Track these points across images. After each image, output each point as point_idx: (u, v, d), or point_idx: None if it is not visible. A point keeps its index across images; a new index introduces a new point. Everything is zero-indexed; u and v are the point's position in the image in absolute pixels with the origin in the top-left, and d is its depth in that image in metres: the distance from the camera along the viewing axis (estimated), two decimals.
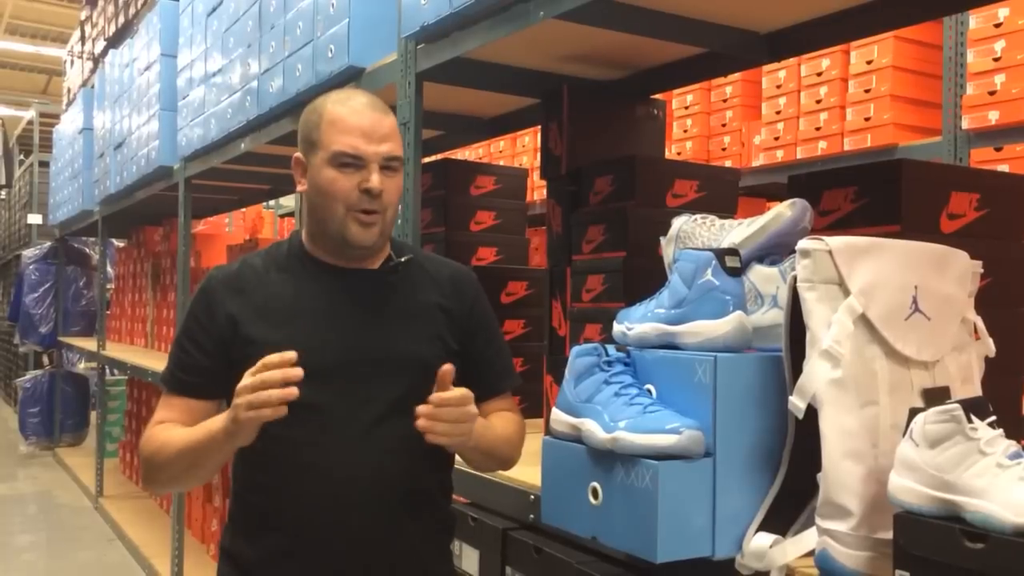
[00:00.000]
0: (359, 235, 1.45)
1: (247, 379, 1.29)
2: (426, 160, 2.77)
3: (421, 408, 1.33)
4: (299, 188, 1.52)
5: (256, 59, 3.16)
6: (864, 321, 1.18)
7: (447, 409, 1.33)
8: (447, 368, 1.35)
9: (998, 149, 3.06)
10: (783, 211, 1.46)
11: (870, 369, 1.18)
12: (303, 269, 1.52)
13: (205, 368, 1.48)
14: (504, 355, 1.63)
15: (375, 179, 1.43)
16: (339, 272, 1.51)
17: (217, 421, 1.37)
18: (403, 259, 1.54)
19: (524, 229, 2.86)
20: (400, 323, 1.50)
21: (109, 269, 7.61)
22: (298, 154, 1.52)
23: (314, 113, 1.50)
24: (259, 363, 1.29)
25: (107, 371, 7.04)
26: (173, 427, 1.45)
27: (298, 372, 1.28)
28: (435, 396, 1.34)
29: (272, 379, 1.27)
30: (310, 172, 1.48)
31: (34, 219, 9.55)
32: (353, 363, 1.43)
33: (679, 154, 4.25)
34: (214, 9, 3.66)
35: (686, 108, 4.29)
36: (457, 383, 1.56)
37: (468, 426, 1.37)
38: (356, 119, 1.45)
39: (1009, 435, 1.04)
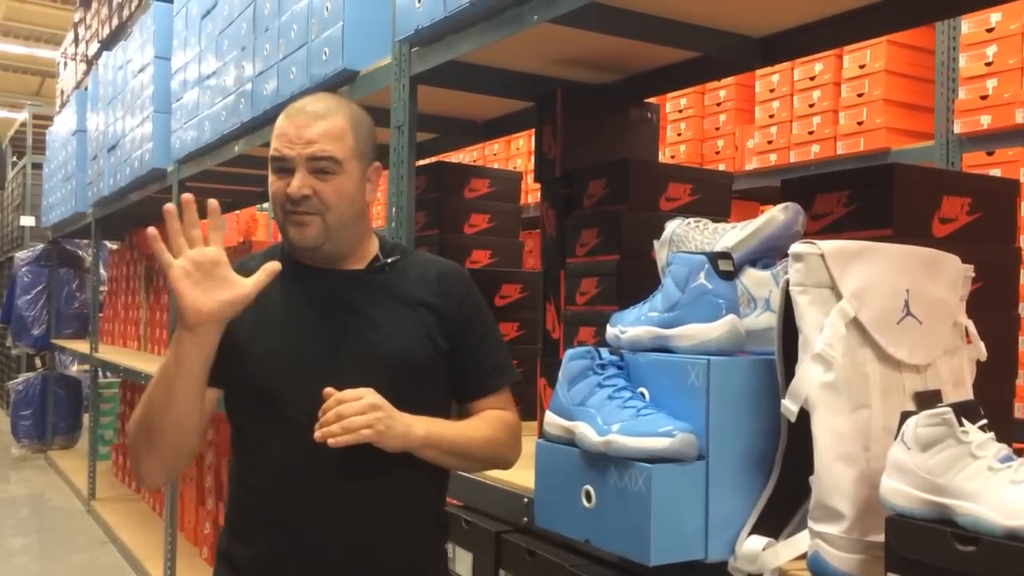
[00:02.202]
0: (295, 236, 1.46)
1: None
2: (420, 163, 2.77)
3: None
4: None
5: (250, 62, 3.16)
6: (856, 325, 1.19)
7: (334, 409, 1.33)
8: (327, 391, 1.36)
9: (990, 153, 3.07)
10: (776, 215, 1.46)
11: (862, 372, 1.18)
12: (293, 272, 1.52)
13: None
14: (498, 352, 1.61)
15: (294, 182, 1.43)
16: (326, 274, 1.52)
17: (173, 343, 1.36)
18: (389, 260, 1.54)
19: (518, 232, 2.86)
20: (388, 323, 1.49)
21: (102, 271, 7.60)
22: None
23: None
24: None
25: (100, 374, 7.01)
26: None
27: None
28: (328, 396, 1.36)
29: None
30: None
31: (27, 221, 9.50)
32: (341, 365, 1.43)
33: (673, 158, 4.26)
34: (208, 11, 3.66)
35: (680, 112, 4.30)
36: (450, 381, 1.56)
37: (367, 417, 1.34)
38: (287, 122, 1.46)
39: (1000, 438, 1.05)
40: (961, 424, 1.02)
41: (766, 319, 1.39)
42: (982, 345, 1.34)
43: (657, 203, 1.94)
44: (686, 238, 1.54)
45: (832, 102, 3.58)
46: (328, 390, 1.37)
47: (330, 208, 1.45)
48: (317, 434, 1.33)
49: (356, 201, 1.50)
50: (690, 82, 2.39)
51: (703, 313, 1.32)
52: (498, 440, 1.54)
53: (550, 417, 1.41)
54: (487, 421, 1.55)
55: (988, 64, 3.01)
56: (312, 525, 1.43)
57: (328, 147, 1.44)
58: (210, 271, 1.32)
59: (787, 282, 1.22)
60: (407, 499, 1.48)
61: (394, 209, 2.24)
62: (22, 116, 11.06)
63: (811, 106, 3.65)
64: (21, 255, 8.76)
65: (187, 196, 1.33)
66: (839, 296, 1.19)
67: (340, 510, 1.43)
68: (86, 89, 6.28)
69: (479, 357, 1.57)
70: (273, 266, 1.36)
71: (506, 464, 1.59)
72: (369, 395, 1.36)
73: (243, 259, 1.59)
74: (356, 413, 1.34)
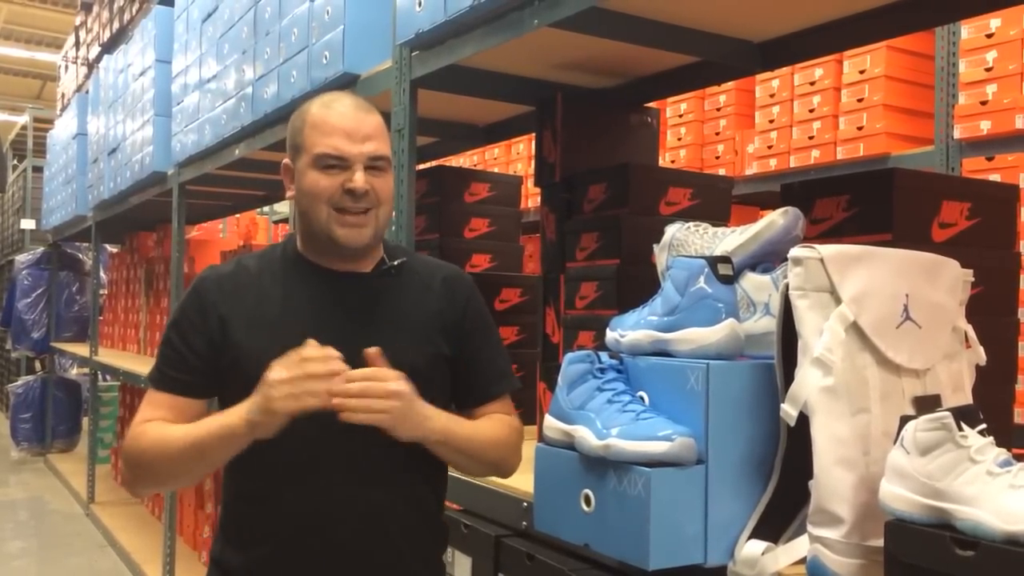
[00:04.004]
0: (347, 237, 1.44)
1: (281, 370, 1.30)
2: (420, 167, 2.77)
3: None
4: (288, 195, 1.52)
5: (251, 65, 3.16)
6: (855, 329, 1.19)
7: (358, 385, 1.31)
8: (373, 350, 1.35)
9: (990, 159, 3.07)
10: (776, 219, 1.46)
11: (861, 377, 1.18)
12: (296, 273, 1.51)
13: (195, 367, 1.46)
14: (500, 358, 1.60)
15: (358, 178, 1.42)
16: (331, 276, 1.51)
17: (232, 414, 1.34)
18: (396, 263, 1.53)
19: (518, 236, 2.86)
20: (391, 329, 1.48)
21: (102, 274, 7.60)
22: (286, 160, 1.52)
23: (299, 118, 1.49)
24: (296, 354, 1.31)
25: (99, 377, 7.01)
26: (164, 425, 1.43)
27: (341, 366, 1.31)
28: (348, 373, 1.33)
29: (316, 370, 1.29)
30: (296, 176, 1.48)
31: (27, 224, 9.51)
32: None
33: (673, 162, 4.27)
34: (209, 15, 3.67)
35: (680, 116, 4.31)
36: (451, 387, 1.56)
37: (387, 403, 1.32)
38: (338, 120, 1.45)
39: (999, 443, 1.05)
40: (960, 429, 1.02)
41: (765, 323, 1.39)
42: (981, 350, 1.34)
43: (657, 207, 1.94)
44: (686, 242, 1.54)
45: (832, 107, 3.58)
46: (373, 350, 1.35)
47: (382, 204, 1.47)
48: (335, 400, 1.31)
49: (394, 197, 1.54)
50: (690, 87, 2.39)
51: (703, 317, 1.32)
52: (508, 443, 1.53)
53: (549, 421, 1.41)
54: (499, 423, 1.54)
55: (988, 69, 3.02)
56: (310, 534, 1.42)
57: (382, 144, 1.47)
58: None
59: (787, 286, 1.22)
60: (407, 509, 1.47)
61: (394, 213, 2.24)
62: (23, 119, 11.07)
63: (811, 111, 3.65)
64: (21, 258, 8.76)
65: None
66: (838, 300, 1.19)
67: (340, 518, 1.42)
68: (87, 92, 6.28)
69: (481, 363, 1.57)
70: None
71: (508, 470, 1.57)
72: (395, 381, 1.34)
73: (241, 257, 1.58)
74: (379, 396, 1.32)
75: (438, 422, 1.41)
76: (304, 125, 1.47)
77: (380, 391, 1.32)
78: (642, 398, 1.34)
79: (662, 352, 1.36)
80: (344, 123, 1.44)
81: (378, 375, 1.34)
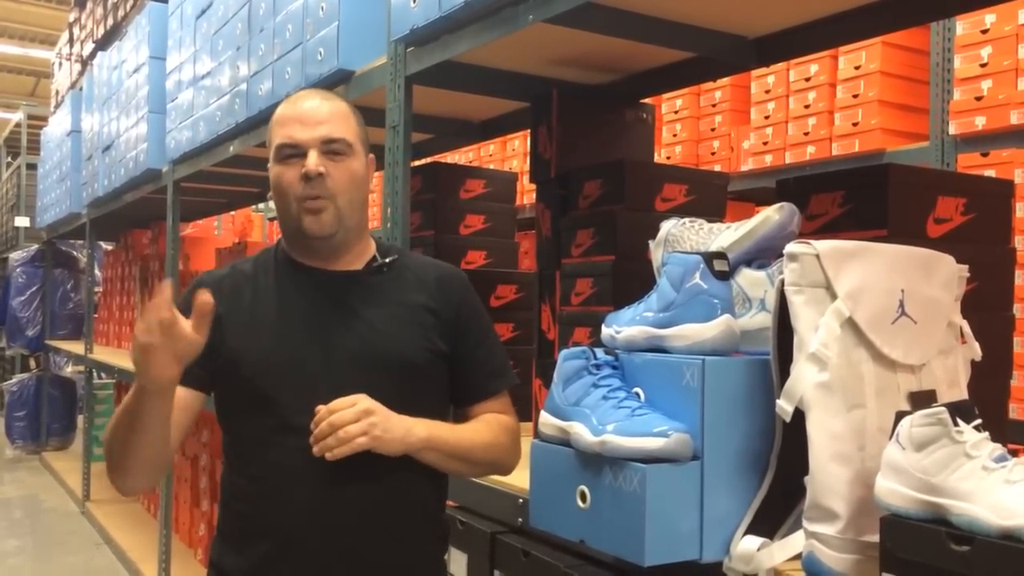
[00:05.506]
0: (311, 225, 1.45)
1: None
2: (416, 164, 2.77)
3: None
4: (270, 195, 1.53)
5: (245, 62, 3.15)
6: (851, 325, 1.19)
7: (325, 421, 1.32)
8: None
9: (985, 154, 3.08)
10: (771, 215, 1.46)
11: (857, 372, 1.18)
12: (289, 273, 1.51)
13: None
14: (496, 355, 1.60)
15: (310, 160, 1.42)
16: (323, 275, 1.50)
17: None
18: (387, 260, 1.53)
19: (514, 233, 2.86)
20: (384, 324, 1.48)
21: (97, 272, 7.58)
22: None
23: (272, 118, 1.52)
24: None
25: (94, 375, 7.00)
26: None
27: (166, 314, 1.22)
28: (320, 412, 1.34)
29: (138, 333, 1.22)
30: (270, 175, 1.50)
31: (21, 222, 9.49)
32: (338, 367, 1.42)
33: (668, 158, 4.27)
34: (203, 11, 3.65)
35: (675, 112, 4.31)
36: (448, 384, 1.55)
37: (362, 424, 1.32)
38: (292, 111, 1.47)
39: (995, 438, 1.05)
40: (956, 424, 1.02)
41: (761, 319, 1.39)
42: (977, 345, 1.34)
43: (653, 204, 1.94)
44: (681, 238, 1.54)
45: (827, 103, 3.58)
46: (320, 407, 1.35)
47: (342, 191, 1.45)
48: (315, 448, 1.33)
49: (363, 186, 1.51)
50: (686, 83, 2.39)
51: (698, 313, 1.32)
52: (499, 444, 1.53)
53: (545, 417, 1.41)
54: (487, 424, 1.53)
55: (983, 65, 3.02)
56: (309, 533, 1.41)
57: (339, 128, 1.46)
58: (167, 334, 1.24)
59: (782, 282, 1.22)
60: (407, 507, 1.47)
61: (389, 210, 2.24)
62: (17, 116, 11.03)
63: (806, 107, 3.65)
64: (16, 256, 8.75)
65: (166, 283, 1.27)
66: (834, 296, 1.19)
67: (339, 518, 1.41)
68: (81, 89, 6.26)
69: (477, 361, 1.56)
70: (206, 305, 1.27)
71: (506, 469, 1.57)
72: (361, 400, 1.35)
73: (236, 262, 1.58)
74: (350, 422, 1.33)
75: (422, 429, 1.41)
76: (272, 123, 1.50)
77: (351, 416, 1.33)
78: (638, 394, 1.34)
79: (658, 348, 1.35)
80: (296, 112, 1.46)
81: (340, 404, 1.34)
